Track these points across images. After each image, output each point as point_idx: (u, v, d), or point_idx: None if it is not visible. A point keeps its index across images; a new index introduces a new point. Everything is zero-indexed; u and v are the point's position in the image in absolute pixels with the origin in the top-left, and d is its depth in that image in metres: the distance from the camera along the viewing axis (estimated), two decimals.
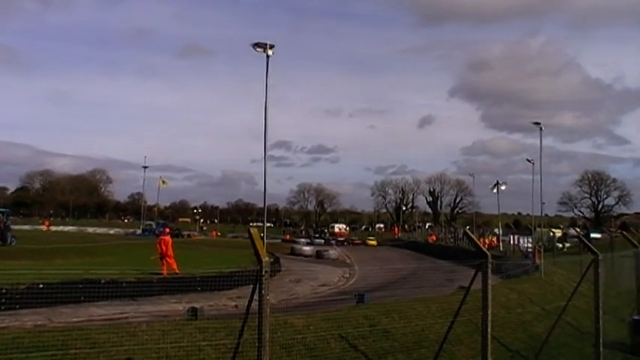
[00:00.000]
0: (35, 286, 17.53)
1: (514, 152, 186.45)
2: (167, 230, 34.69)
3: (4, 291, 17.15)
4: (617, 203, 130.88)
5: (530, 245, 54.39)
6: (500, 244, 63.69)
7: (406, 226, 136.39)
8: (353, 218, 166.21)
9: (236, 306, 19.17)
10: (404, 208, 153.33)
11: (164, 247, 27.34)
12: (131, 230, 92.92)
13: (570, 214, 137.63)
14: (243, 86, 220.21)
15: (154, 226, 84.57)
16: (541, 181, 37.59)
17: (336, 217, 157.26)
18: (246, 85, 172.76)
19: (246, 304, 8.68)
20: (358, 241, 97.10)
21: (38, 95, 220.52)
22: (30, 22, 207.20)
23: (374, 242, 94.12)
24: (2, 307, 16.73)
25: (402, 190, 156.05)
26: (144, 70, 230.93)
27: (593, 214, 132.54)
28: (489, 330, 10.27)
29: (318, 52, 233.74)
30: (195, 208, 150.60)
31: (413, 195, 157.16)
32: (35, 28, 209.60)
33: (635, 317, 17.35)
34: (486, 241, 58.14)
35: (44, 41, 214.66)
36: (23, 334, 10.71)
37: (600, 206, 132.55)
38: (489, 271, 10.55)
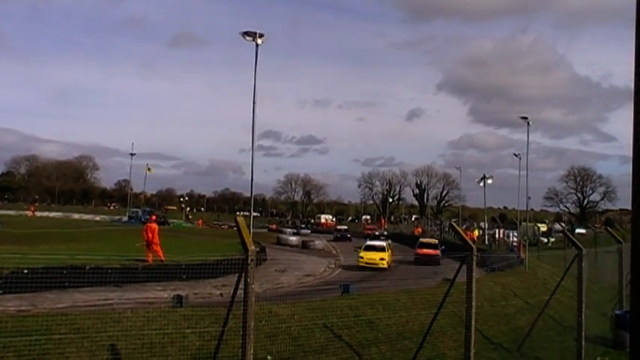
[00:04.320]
0: (19, 271, 17.45)
1: (501, 147, 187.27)
2: (153, 217, 34.63)
3: None
4: (602, 199, 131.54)
5: (515, 239, 54.73)
6: (486, 237, 63.93)
7: (392, 218, 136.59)
8: (339, 209, 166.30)
9: (221, 294, 19.18)
10: (390, 200, 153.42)
11: (150, 235, 27.32)
12: (117, 217, 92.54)
13: (556, 210, 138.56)
14: (233, 76, 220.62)
15: (140, 214, 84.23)
16: (527, 175, 37.87)
17: (323, 207, 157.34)
18: (236, 75, 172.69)
19: (232, 292, 8.69)
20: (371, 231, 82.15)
21: (26, 81, 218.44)
22: (19, 7, 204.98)
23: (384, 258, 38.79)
24: None
25: (389, 182, 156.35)
26: (134, 58, 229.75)
27: (578, 209, 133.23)
28: (473, 322, 10.34)
29: (309, 44, 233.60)
30: (182, 196, 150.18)
31: (400, 187, 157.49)
32: (24, 13, 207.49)
33: (617, 312, 17.52)
34: (469, 234, 57.23)
35: (33, 26, 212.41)
36: (6, 319, 10.67)
37: (585, 202, 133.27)
38: (474, 264, 10.62)
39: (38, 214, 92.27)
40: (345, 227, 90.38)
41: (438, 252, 42.43)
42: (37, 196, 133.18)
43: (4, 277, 17.03)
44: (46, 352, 9.50)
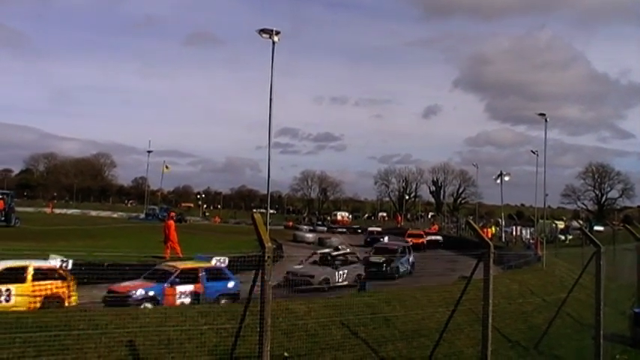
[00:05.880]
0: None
1: (518, 144, 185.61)
2: (172, 214, 34.67)
3: None
4: (620, 196, 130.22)
5: (532, 236, 54.40)
6: (503, 234, 63.53)
7: (409, 216, 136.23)
8: (356, 206, 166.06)
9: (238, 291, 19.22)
10: (407, 197, 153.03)
11: (167, 232, 27.47)
12: (134, 214, 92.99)
13: (573, 207, 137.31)
14: (250, 73, 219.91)
15: (157, 211, 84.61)
16: (545, 172, 37.63)
17: (339, 205, 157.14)
18: (253, 72, 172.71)
19: (249, 289, 8.74)
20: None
21: (45, 79, 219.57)
22: (38, 6, 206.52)
23: None
24: None
25: (406, 179, 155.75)
26: (151, 56, 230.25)
27: (596, 206, 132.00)
28: (490, 320, 10.31)
29: (325, 42, 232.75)
30: (199, 193, 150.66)
31: (416, 184, 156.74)
32: (43, 12, 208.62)
33: (636, 310, 17.40)
34: (485, 231, 55.73)
35: (52, 25, 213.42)
36: (27, 315, 10.80)
37: (603, 199, 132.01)
38: (491, 261, 10.59)
39: (56, 211, 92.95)
40: (379, 229, 72.50)
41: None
42: (55, 194, 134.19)
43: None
44: (65, 348, 9.60)
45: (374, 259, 26.87)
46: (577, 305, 19.26)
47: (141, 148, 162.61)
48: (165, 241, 27.30)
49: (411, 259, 30.25)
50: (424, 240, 54.28)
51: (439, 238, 59.77)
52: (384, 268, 26.42)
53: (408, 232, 59.92)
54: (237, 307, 11.36)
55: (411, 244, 37.53)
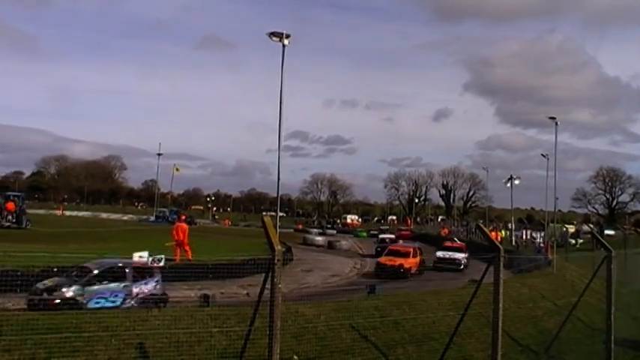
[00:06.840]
0: (49, 270, 17.68)
1: (529, 147, 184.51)
2: (183, 217, 34.66)
3: (19, 273, 17.32)
4: (631, 200, 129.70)
5: (541, 240, 54.14)
6: (513, 238, 63.29)
7: (418, 219, 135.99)
8: (365, 210, 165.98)
9: (247, 294, 19.24)
10: (417, 201, 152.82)
11: (181, 234, 27.47)
12: (144, 217, 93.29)
13: (584, 211, 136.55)
14: (262, 76, 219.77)
15: (167, 213, 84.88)
16: (555, 176, 37.52)
17: (349, 208, 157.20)
18: (265, 75, 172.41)
19: (258, 292, 8.75)
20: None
21: (57, 82, 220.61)
22: (49, 10, 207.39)
23: None
24: (17, 290, 16.89)
25: (415, 182, 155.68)
26: (160, 59, 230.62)
27: (607, 210, 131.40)
28: (500, 324, 10.28)
29: (336, 45, 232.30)
30: (209, 196, 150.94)
31: (426, 188, 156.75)
32: (54, 16, 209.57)
33: None
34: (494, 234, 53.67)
35: (63, 29, 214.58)
36: (37, 316, 10.84)
37: (614, 203, 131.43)
38: (501, 265, 10.56)
39: (67, 213, 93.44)
40: (392, 235, 61.77)
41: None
42: (66, 196, 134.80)
43: (35, 275, 17.29)
44: (75, 350, 9.65)
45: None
46: (588, 310, 19.16)
47: (151, 151, 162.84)
48: (177, 244, 27.31)
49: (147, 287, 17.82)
50: (411, 263, 33.33)
51: (460, 256, 37.68)
52: None
53: (390, 247, 38.67)
54: (247, 311, 11.37)
55: None
